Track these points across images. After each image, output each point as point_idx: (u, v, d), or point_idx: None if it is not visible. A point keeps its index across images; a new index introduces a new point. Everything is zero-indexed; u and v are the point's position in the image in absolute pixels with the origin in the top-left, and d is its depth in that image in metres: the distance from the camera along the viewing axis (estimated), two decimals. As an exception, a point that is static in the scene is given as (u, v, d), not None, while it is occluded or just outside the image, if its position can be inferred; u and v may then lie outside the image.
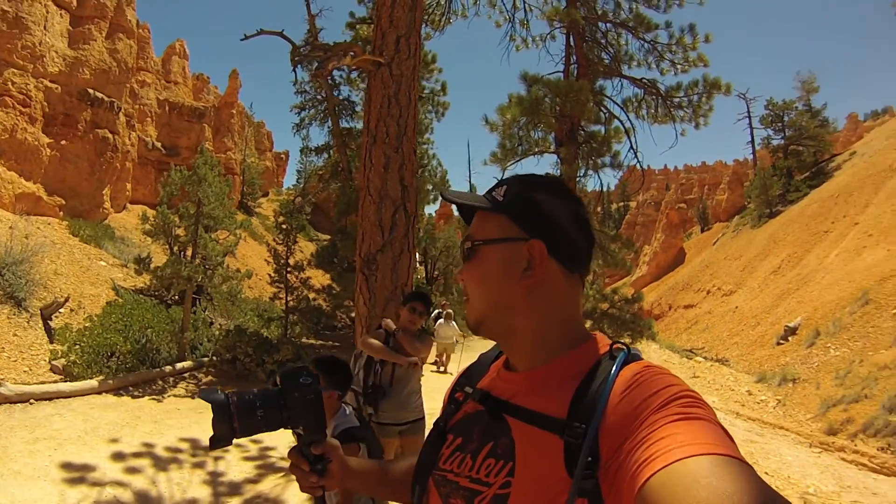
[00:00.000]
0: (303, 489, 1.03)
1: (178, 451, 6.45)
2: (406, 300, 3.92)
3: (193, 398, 8.69)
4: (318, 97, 14.37)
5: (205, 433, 7.30)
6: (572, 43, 10.39)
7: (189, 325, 10.28)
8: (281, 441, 7.08)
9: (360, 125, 14.78)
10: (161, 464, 5.96)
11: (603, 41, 10.60)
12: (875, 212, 19.92)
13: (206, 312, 11.93)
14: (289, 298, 12.20)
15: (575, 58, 10.37)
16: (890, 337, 12.08)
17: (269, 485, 5.45)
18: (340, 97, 14.13)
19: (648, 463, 0.62)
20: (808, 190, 29.75)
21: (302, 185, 23.54)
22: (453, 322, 10.28)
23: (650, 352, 15.73)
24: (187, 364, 9.74)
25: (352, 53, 5.95)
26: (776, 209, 31.00)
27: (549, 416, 0.78)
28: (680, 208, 49.41)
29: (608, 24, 10.54)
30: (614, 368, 0.77)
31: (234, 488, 5.46)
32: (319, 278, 14.53)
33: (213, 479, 5.67)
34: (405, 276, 6.21)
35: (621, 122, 10.28)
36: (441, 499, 0.90)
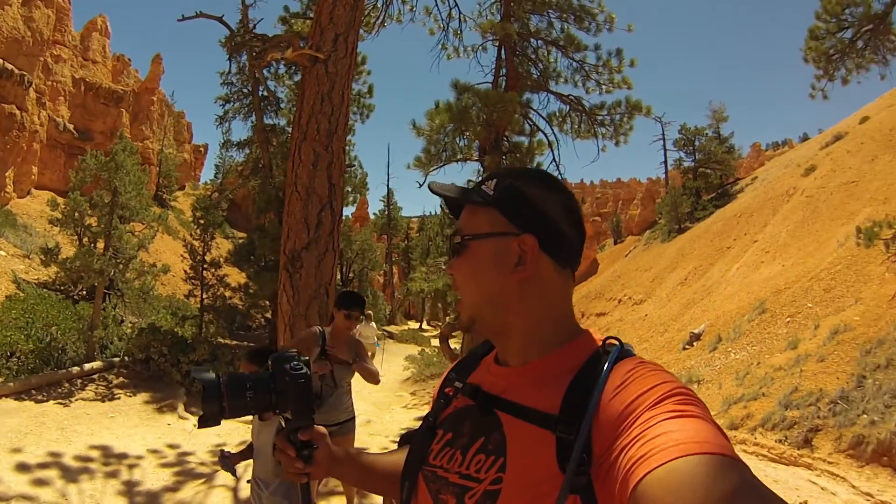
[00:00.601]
0: (288, 475, 1.02)
1: (89, 459, 6.02)
2: (341, 304, 3.80)
3: (104, 401, 8.12)
4: (244, 90, 13.82)
5: (117, 439, 6.83)
6: (503, 56, 10.68)
7: (99, 322, 9.54)
8: (199, 446, 6.74)
9: (283, 122, 14.37)
10: (71, 474, 5.53)
11: (533, 56, 10.96)
12: (772, 231, 22.12)
13: (117, 310, 11.12)
14: (204, 296, 11.59)
15: (505, 70, 10.67)
16: (784, 342, 13.41)
17: (189, 492, 5.17)
18: (265, 93, 13.66)
19: (643, 461, 0.62)
20: (713, 209, 32.43)
21: (220, 181, 22.46)
22: (373, 323, 10.24)
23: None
24: (96, 365, 9.06)
25: (291, 47, 5.83)
26: (685, 225, 33.53)
27: (541, 411, 0.77)
28: (595, 221, 52.15)
29: (539, 41, 10.91)
30: (607, 364, 0.77)
31: (153, 498, 5.17)
32: (235, 276, 13.95)
33: (129, 489, 5.35)
34: (329, 275, 6.15)
35: (545, 134, 10.63)
36: (431, 494, 0.89)
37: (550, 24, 10.90)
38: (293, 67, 12.88)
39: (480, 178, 1.01)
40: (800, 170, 26.23)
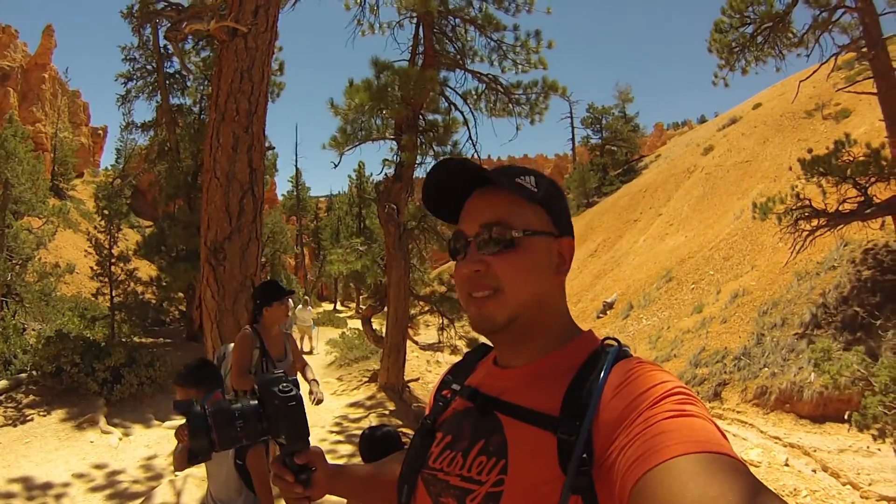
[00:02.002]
0: (288, 501, 0.97)
1: (11, 496, 5.44)
2: (272, 296, 3.59)
3: (15, 426, 7.26)
4: (148, 67, 12.64)
5: (37, 467, 6.15)
6: (421, 33, 10.51)
7: None
8: (128, 462, 6.22)
9: (190, 102, 13.43)
10: None
11: (451, 35, 10.89)
12: (675, 205, 23.77)
13: (17, 318, 9.95)
14: (114, 293, 10.61)
15: (422, 48, 10.51)
16: (690, 307, 14.53)
17: None
18: (171, 70, 12.61)
19: (641, 460, 0.62)
20: (620, 184, 34.42)
21: (122, 166, 20.61)
22: (309, 307, 9.94)
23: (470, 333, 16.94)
24: (1, 384, 8.07)
25: (214, 18, 5.35)
26: (592, 200, 35.41)
27: (541, 412, 0.78)
28: None
29: (457, 19, 10.84)
30: (606, 364, 0.77)
31: None
32: (146, 269, 12.94)
33: None
34: (254, 266, 5.82)
35: (462, 113, 10.65)
36: (431, 498, 0.87)
37: (469, 2, 10.87)
38: (201, 42, 11.96)
39: (502, 169, 0.85)
40: (699, 149, 28.26)
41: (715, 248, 16.99)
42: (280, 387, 0.91)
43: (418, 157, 10.01)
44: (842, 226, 11.17)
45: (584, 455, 0.70)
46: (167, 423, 7.92)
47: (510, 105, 10.91)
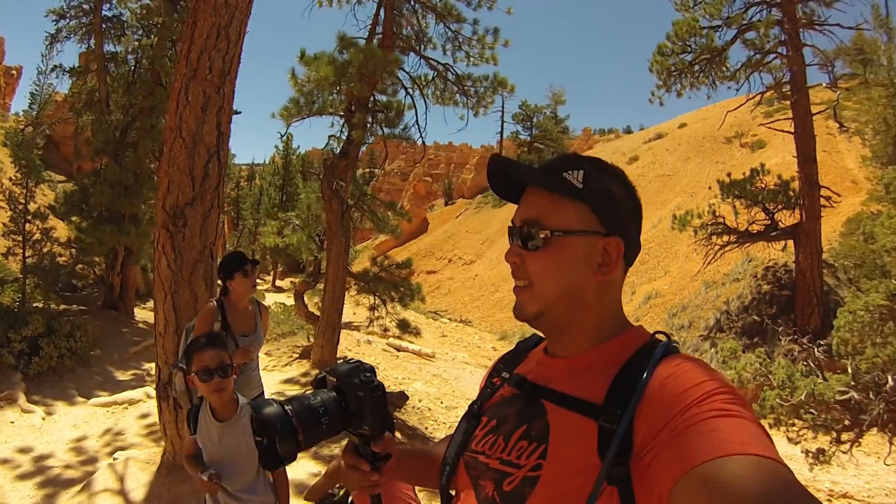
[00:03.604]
0: (361, 490, 0.97)
1: None
2: (233, 265, 3.46)
3: None
4: (85, 6, 11.42)
5: None
6: (382, 14, 10.38)
7: None
8: (56, 444, 5.72)
9: (124, 50, 12.31)
10: None
11: (413, 19, 10.84)
12: None
13: None
14: (27, 254, 9.52)
15: (381, 28, 10.40)
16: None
17: None
18: (111, 13, 11.53)
19: (683, 459, 0.62)
20: None
21: (35, 113, 18.46)
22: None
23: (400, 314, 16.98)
24: None
25: None
26: None
27: (585, 400, 0.79)
28: (426, 181, 53.89)
29: (419, 5, 10.80)
30: (654, 358, 0.78)
31: None
32: (61, 230, 11.80)
33: None
34: (214, 235, 5.52)
35: (411, 97, 10.65)
36: (470, 480, 0.90)
37: (433, -11, 10.86)
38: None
39: (553, 162, 0.87)
40: (625, 157, 29.99)
41: (633, 251, 18.20)
42: (361, 377, 0.89)
43: (368, 136, 9.94)
44: (749, 244, 12.42)
45: (623, 445, 0.71)
46: (93, 400, 7.34)
47: (458, 95, 11.00)
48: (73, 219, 11.01)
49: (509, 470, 0.82)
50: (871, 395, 5.68)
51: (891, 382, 5.58)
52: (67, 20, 11.70)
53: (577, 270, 0.84)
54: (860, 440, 5.78)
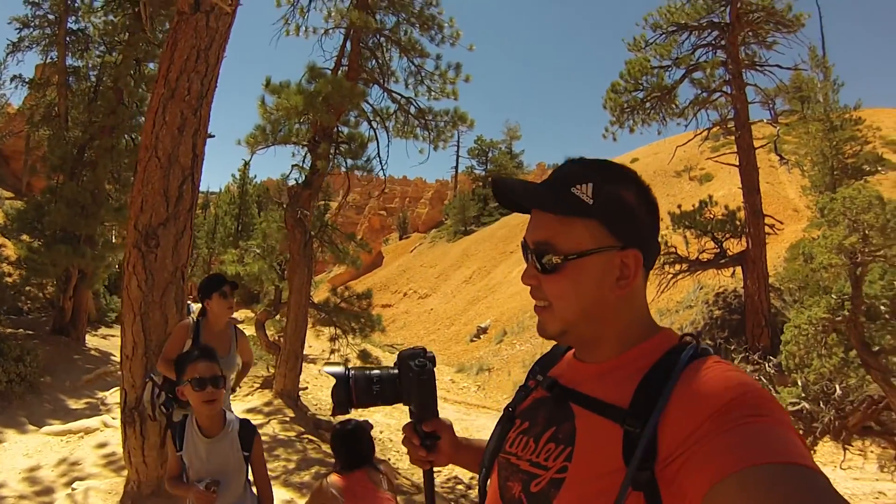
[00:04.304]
0: (412, 461, 1.09)
1: None
2: (211, 287, 3.52)
3: None
4: (50, 16, 11.11)
5: None
6: (349, 46, 10.59)
7: None
8: (7, 473, 5.43)
9: (84, 65, 12.06)
10: None
11: (377, 52, 11.09)
12: None
13: None
14: None
15: (347, 60, 10.60)
16: (561, 336, 15.77)
17: None
18: (76, 27, 11.28)
19: (719, 466, 0.61)
20: (499, 216, 36.27)
21: None
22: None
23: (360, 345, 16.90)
24: None
25: None
26: (470, 228, 36.95)
27: (612, 404, 0.78)
28: (381, 215, 53.96)
29: (383, 38, 11.06)
30: (681, 361, 0.76)
31: None
32: (9, 249, 11.25)
33: None
34: (185, 257, 5.48)
35: (374, 129, 10.81)
36: (500, 482, 0.92)
37: (398, 23, 11.17)
38: (114, 3, 10.90)
39: (560, 175, 0.85)
40: None
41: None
42: (416, 361, 1.02)
43: (329, 166, 10.00)
44: (700, 272, 13.04)
45: (649, 450, 0.70)
46: (46, 429, 6.96)
47: (418, 129, 11.21)
48: (24, 237, 10.55)
49: (537, 472, 0.83)
50: (821, 405, 6.07)
51: (838, 391, 5.99)
52: (31, 29, 11.37)
53: (596, 288, 0.82)
54: (815, 448, 6.13)
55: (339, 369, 1.03)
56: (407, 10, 10.60)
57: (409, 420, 1.08)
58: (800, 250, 14.14)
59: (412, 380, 1.01)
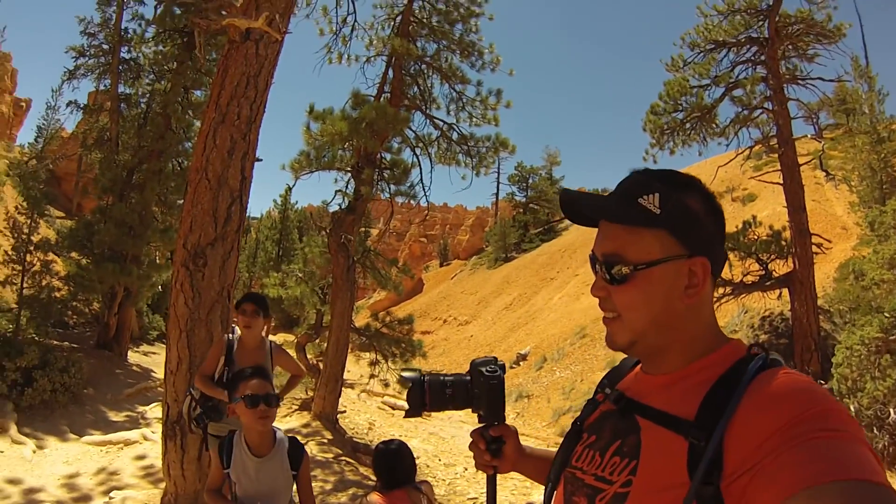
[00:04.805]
0: (477, 466, 1.11)
1: None
2: (236, 304, 3.64)
3: None
4: (104, 46, 11.78)
5: None
6: (391, 73, 10.78)
7: None
8: (46, 479, 5.57)
9: (135, 92, 12.64)
10: None
11: (419, 79, 11.26)
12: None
13: None
14: (25, 285, 9.44)
15: (389, 87, 10.78)
16: (603, 362, 15.39)
17: None
18: (126, 55, 11.88)
19: (790, 482, 0.59)
20: (540, 242, 36.01)
21: (41, 147, 18.51)
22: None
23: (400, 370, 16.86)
24: None
25: (264, 15, 5.23)
26: (511, 255, 36.68)
27: (676, 416, 0.77)
28: (422, 242, 54.24)
29: (424, 65, 11.23)
30: (749, 373, 0.75)
31: None
32: (59, 266, 11.72)
33: None
34: (232, 277, 5.60)
35: (417, 156, 10.93)
36: (565, 496, 0.91)
37: (439, 51, 11.35)
38: (164, 34, 11.44)
39: (626, 186, 0.85)
40: None
41: (629, 310, 18.26)
42: (488, 368, 1.07)
43: (374, 192, 10.10)
44: (744, 295, 12.57)
45: (714, 464, 0.68)
46: (86, 438, 7.16)
47: (460, 155, 11.28)
48: (73, 255, 10.99)
49: (602, 486, 0.82)
50: (875, 430, 5.73)
51: (893, 415, 5.66)
52: (86, 58, 12.05)
53: (665, 298, 0.82)
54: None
55: (415, 374, 1.08)
56: (447, 37, 10.77)
57: (474, 429, 1.11)
58: (850, 269, 13.54)
59: (483, 385, 1.06)
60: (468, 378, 1.09)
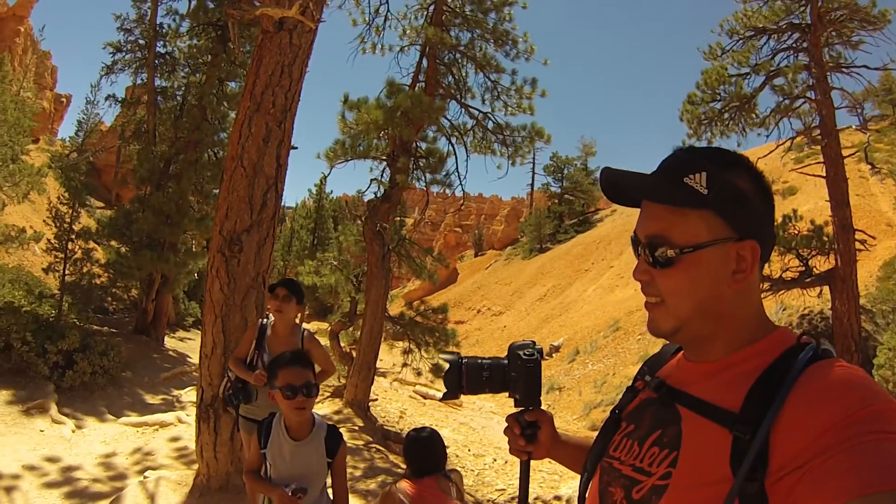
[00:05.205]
0: (511, 451, 1.09)
1: None
2: (269, 288, 3.69)
3: None
4: (141, 41, 12.12)
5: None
6: (425, 62, 10.75)
7: None
8: (84, 458, 5.73)
9: (173, 85, 12.95)
10: None
11: (454, 68, 11.20)
12: (627, 259, 24.87)
13: None
14: (67, 272, 9.85)
15: (424, 76, 10.75)
16: (636, 355, 15.16)
17: None
18: (162, 49, 12.19)
19: (837, 488, 0.57)
20: (575, 233, 35.66)
21: (81, 140, 19.16)
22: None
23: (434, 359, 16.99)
24: None
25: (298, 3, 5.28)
26: (546, 245, 36.38)
27: (721, 407, 0.74)
28: (457, 232, 54.26)
29: (458, 54, 11.17)
30: (799, 364, 0.71)
31: None
32: (99, 254, 12.16)
33: None
34: (268, 263, 5.66)
35: (452, 145, 10.89)
36: (601, 486, 0.88)
37: (473, 40, 11.27)
38: (198, 27, 11.65)
39: (671, 165, 0.81)
40: None
41: (664, 303, 17.91)
42: (525, 352, 1.06)
43: (410, 181, 10.12)
44: (783, 291, 12.17)
45: (759, 459, 0.65)
46: (123, 419, 7.39)
47: (495, 144, 11.20)
48: (113, 243, 11.35)
49: (639, 477, 0.79)
50: None
51: None
52: (123, 53, 12.41)
53: (711, 283, 0.78)
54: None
55: (453, 356, 1.09)
56: (481, 25, 10.68)
57: (509, 414, 1.10)
58: (894, 268, 12.98)
59: (520, 368, 1.05)
60: (506, 361, 1.08)
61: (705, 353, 0.83)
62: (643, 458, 0.81)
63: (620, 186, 0.85)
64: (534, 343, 1.08)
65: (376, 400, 10.34)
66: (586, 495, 0.95)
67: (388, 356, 12.81)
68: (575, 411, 13.92)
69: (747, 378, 0.74)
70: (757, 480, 0.64)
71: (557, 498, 6.35)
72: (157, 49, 12.19)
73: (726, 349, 0.80)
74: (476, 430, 10.07)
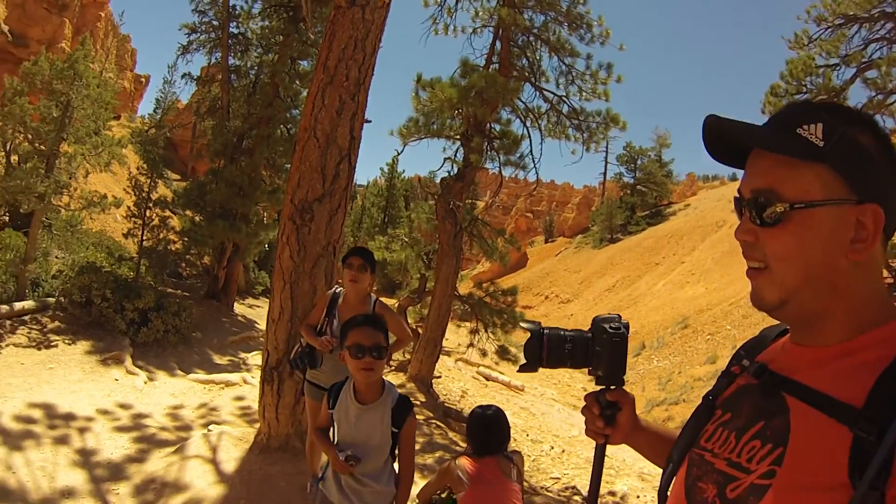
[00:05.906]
0: (587, 433, 1.01)
1: (32, 420, 5.21)
2: (343, 258, 3.58)
3: (39, 349, 7.15)
4: (215, 23, 12.69)
5: (60, 396, 5.96)
6: (498, 44, 10.64)
7: (34, 255, 8.42)
8: (154, 407, 6.07)
9: (246, 64, 13.43)
10: (12, 440, 4.69)
11: (527, 51, 11.03)
12: (699, 256, 24.10)
13: (43, 243, 9.87)
14: (144, 238, 10.58)
15: (498, 58, 10.64)
16: (703, 356, 14.65)
17: (159, 464, 4.54)
18: (235, 30, 12.73)
19: None
20: (646, 226, 34.87)
21: (159, 117, 20.36)
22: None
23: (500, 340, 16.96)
24: (29, 304, 8.01)
25: None
26: (616, 236, 35.77)
27: (840, 401, 0.65)
28: (528, 217, 53.82)
29: (532, 37, 10.98)
30: None
31: (117, 471, 4.47)
32: (175, 223, 12.91)
33: (86, 458, 4.61)
34: (339, 233, 5.75)
35: (527, 127, 10.76)
36: (688, 481, 0.79)
37: (546, 23, 11.05)
38: (270, 9, 12.02)
39: (783, 115, 0.74)
40: (731, 205, 28.70)
41: (735, 304, 17.16)
42: (610, 325, 0.99)
43: (484, 162, 10.12)
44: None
45: (885, 465, 0.58)
46: (192, 376, 7.81)
47: (570, 129, 10.98)
48: (188, 212, 11.97)
49: (736, 474, 0.71)
50: None
51: None
52: (198, 34, 13.00)
53: (825, 249, 0.69)
54: None
55: (535, 325, 1.02)
56: (554, 8, 10.46)
57: (588, 392, 1.03)
58: None
59: (605, 342, 0.98)
60: (589, 335, 1.01)
61: (817, 334, 0.73)
62: (741, 451, 0.72)
63: (724, 136, 0.76)
64: (619, 317, 1.01)
65: (439, 377, 10.43)
66: (669, 490, 0.85)
67: (454, 336, 12.89)
68: (637, 406, 13.63)
69: (870, 369, 0.65)
70: (878, 490, 0.57)
71: (612, 493, 6.20)
72: (231, 30, 12.66)
73: (844, 332, 0.70)
74: (536, 416, 10.02)
